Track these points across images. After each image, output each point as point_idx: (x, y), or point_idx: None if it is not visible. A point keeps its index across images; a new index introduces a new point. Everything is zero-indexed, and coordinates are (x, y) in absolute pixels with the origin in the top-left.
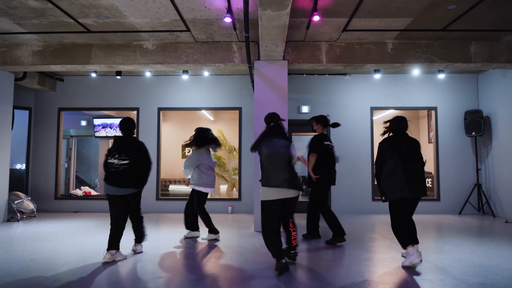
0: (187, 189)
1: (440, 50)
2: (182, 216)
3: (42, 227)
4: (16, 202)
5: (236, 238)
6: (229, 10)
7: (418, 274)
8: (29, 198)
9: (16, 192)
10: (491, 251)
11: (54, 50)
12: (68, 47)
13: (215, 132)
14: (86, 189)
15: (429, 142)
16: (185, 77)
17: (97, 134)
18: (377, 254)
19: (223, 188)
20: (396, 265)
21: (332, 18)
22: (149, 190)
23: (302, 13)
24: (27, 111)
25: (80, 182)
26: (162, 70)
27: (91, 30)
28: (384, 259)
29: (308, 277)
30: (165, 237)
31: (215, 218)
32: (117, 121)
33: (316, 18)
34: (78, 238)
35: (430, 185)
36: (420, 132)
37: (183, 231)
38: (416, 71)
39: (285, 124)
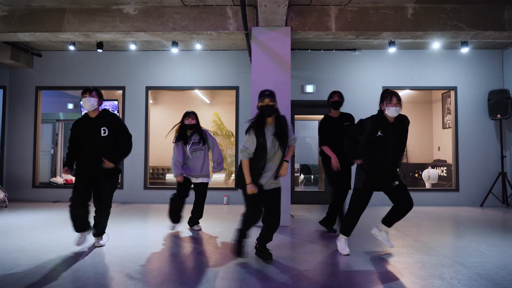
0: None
1: (469, 16)
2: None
3: (8, 219)
4: None
5: (230, 233)
6: None
7: (458, 284)
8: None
9: None
10: None
11: (21, 15)
12: (37, 12)
13: (211, 115)
14: (68, 176)
15: (444, 127)
16: (174, 50)
17: None
18: (403, 258)
19: (220, 177)
20: (429, 272)
21: None
22: (136, 179)
23: None
24: (1, 90)
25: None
26: (148, 41)
27: None
28: (411, 264)
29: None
30: (153, 229)
31: (209, 209)
32: (106, 103)
33: None
34: (44, 233)
35: (446, 174)
36: (433, 117)
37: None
38: (436, 44)
39: (287, 105)
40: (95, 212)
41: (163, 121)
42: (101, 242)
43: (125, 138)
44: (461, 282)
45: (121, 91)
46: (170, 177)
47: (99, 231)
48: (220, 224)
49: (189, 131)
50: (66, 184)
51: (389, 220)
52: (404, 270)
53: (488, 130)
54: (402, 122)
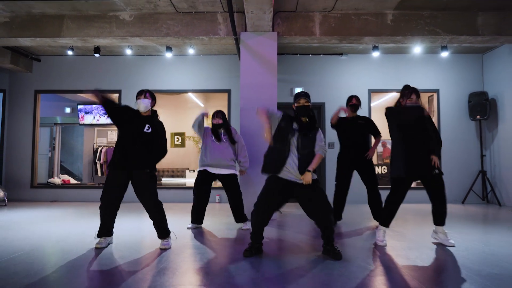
0: (181, 181)
1: (445, 22)
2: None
3: (8, 216)
4: None
5: (220, 230)
6: None
7: (425, 264)
8: None
9: None
10: (501, 240)
11: (22, 21)
12: (37, 18)
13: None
14: (65, 177)
15: None
16: (168, 55)
17: (81, 122)
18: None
19: None
20: (397, 253)
21: None
22: None
23: None
24: (1, 93)
25: (67, 173)
26: (143, 46)
27: None
28: (381, 247)
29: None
30: (139, 226)
31: None
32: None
33: None
34: (43, 226)
35: None
36: None
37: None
38: (417, 49)
39: (274, 106)
40: (149, 215)
41: None
42: (165, 243)
43: (160, 138)
44: (423, 260)
45: (117, 95)
46: (166, 180)
47: (163, 233)
48: (210, 218)
49: (218, 130)
50: (64, 185)
51: (438, 219)
52: (373, 253)
53: (468, 130)
54: (422, 110)
